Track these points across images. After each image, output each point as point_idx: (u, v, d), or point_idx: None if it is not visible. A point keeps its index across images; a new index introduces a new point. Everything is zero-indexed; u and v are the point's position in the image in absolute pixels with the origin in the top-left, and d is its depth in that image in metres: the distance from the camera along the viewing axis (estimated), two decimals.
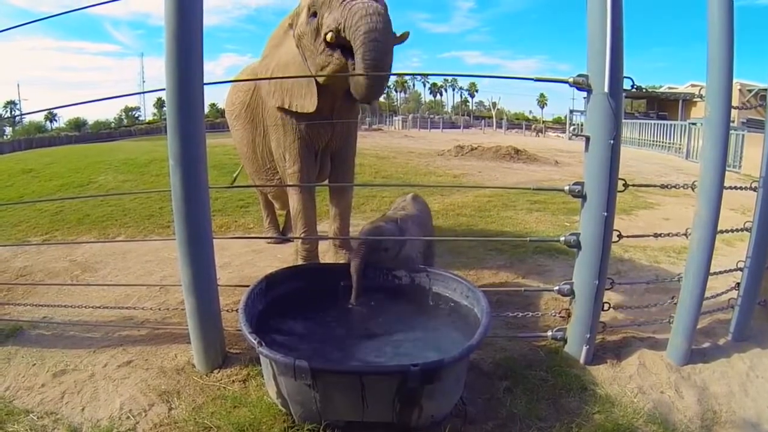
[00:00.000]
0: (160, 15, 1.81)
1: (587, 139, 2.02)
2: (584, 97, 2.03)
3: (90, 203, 5.49)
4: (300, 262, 3.10)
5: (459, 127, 39.25)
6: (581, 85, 1.99)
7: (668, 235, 2.27)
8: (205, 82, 1.92)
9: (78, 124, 50.60)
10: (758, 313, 2.38)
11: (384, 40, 2.33)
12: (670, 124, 15.89)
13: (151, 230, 4.68)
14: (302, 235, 3.09)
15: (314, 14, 2.54)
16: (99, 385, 1.98)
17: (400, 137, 21.82)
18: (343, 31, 2.36)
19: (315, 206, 3.21)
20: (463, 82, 71.85)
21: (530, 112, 65.76)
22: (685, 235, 2.15)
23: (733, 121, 10.20)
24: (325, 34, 2.44)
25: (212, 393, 1.91)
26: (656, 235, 2.30)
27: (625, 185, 2.08)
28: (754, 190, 2.20)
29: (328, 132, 3.04)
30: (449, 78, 72.80)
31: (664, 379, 2.03)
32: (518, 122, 44.34)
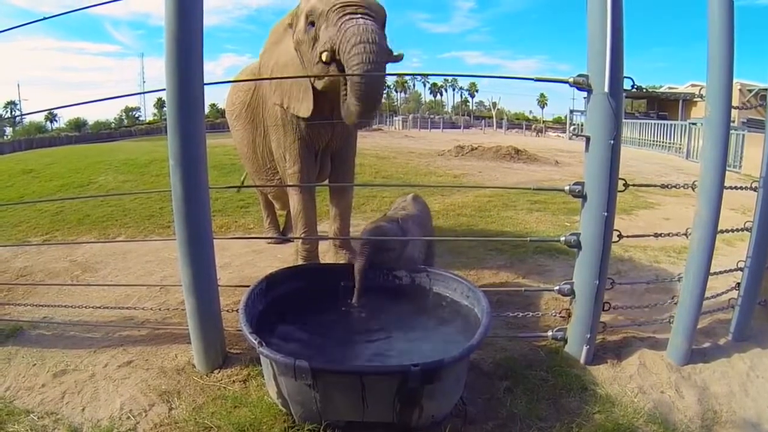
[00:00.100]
0: (161, 15, 1.81)
1: (587, 139, 2.02)
2: (584, 97, 2.03)
3: (90, 203, 5.49)
4: (300, 262, 3.10)
5: (459, 127, 39.23)
6: (581, 85, 1.99)
7: (668, 235, 2.27)
8: (205, 82, 1.92)
9: (78, 125, 50.58)
10: (758, 313, 2.38)
11: (376, 70, 2.33)
12: (671, 124, 15.90)
13: (152, 230, 4.68)
14: (302, 236, 3.09)
15: (312, 23, 2.53)
16: (99, 385, 1.98)
17: (401, 137, 21.81)
18: (338, 53, 2.35)
19: (315, 206, 3.20)
20: (464, 82, 71.99)
21: (530, 112, 65.78)
22: (686, 234, 2.15)
23: (734, 121, 10.21)
24: (321, 52, 2.43)
25: (212, 393, 1.91)
26: (656, 235, 2.30)
27: (626, 185, 2.08)
28: (755, 190, 2.20)
29: (328, 132, 3.04)
30: (449, 78, 72.95)
31: (665, 379, 2.03)
32: (518, 122, 44.32)
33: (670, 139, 15.16)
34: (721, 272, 2.26)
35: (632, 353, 2.18)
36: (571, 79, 2.01)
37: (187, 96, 1.85)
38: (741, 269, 2.30)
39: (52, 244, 4.14)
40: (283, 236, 4.13)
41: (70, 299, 2.87)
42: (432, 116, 45.44)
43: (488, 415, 1.79)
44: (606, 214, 2.00)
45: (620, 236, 2.08)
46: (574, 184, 2.07)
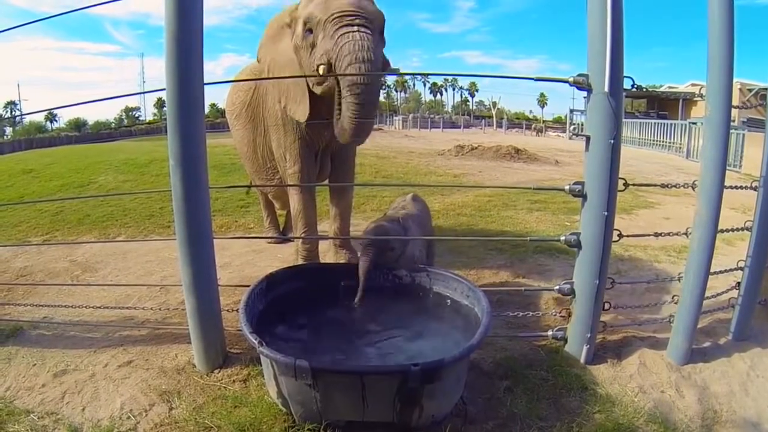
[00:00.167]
0: (160, 15, 1.81)
1: (587, 138, 2.02)
2: (584, 97, 2.03)
3: (90, 203, 5.48)
4: (300, 261, 3.10)
5: (459, 127, 39.23)
6: (581, 84, 1.99)
7: (669, 234, 2.27)
8: (205, 82, 1.91)
9: (78, 125, 50.55)
10: (759, 312, 2.38)
11: (370, 91, 2.37)
12: (671, 124, 15.89)
13: (152, 230, 4.68)
14: (303, 235, 3.09)
15: (309, 30, 2.53)
16: (99, 385, 1.98)
17: (401, 137, 21.80)
18: (333, 68, 2.37)
19: (315, 206, 3.20)
20: (464, 82, 71.92)
21: (530, 111, 65.73)
22: (686, 234, 2.15)
23: (734, 121, 10.21)
24: (318, 65, 2.44)
25: (213, 393, 1.91)
26: (657, 235, 2.30)
27: (626, 185, 2.08)
28: (755, 190, 2.20)
29: (328, 132, 3.03)
30: (449, 78, 72.78)
31: (665, 379, 2.03)
32: (518, 122, 44.29)
33: (670, 138, 15.15)
34: (721, 272, 2.27)
35: (632, 353, 2.18)
36: (571, 79, 2.01)
37: (187, 96, 1.85)
38: (741, 269, 2.30)
39: (52, 244, 4.14)
40: (283, 236, 4.13)
41: (71, 299, 2.88)
42: (432, 116, 45.41)
43: (488, 414, 1.79)
44: (606, 213, 2.00)
45: (620, 236, 2.08)
46: (574, 183, 2.07)
